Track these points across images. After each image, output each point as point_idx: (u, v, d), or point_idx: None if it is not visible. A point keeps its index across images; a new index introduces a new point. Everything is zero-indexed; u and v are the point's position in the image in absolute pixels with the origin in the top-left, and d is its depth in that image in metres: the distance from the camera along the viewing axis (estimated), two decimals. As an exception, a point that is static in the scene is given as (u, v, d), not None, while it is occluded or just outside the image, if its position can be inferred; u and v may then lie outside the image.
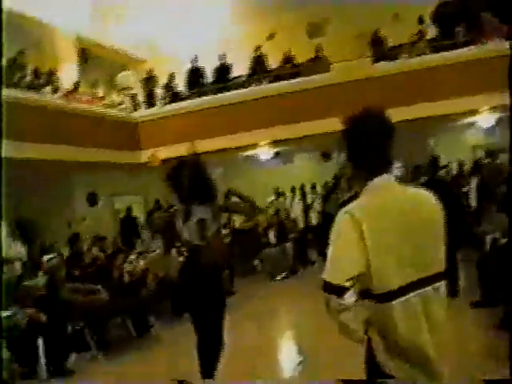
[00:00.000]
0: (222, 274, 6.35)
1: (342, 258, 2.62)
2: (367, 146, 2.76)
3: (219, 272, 6.18)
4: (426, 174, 10.06)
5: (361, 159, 2.81)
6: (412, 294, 2.62)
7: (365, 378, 2.82)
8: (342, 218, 2.67)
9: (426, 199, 2.83)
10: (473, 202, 12.04)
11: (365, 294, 2.65)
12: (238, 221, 17.39)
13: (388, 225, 2.63)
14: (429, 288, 2.67)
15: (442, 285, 2.75)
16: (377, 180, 2.75)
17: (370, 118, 2.82)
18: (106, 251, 12.07)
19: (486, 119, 16.26)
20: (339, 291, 2.55)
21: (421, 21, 16.46)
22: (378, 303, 2.61)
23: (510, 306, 7.39)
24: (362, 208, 2.68)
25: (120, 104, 17.31)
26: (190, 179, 5.81)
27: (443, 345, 2.72)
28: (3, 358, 6.75)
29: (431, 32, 16.58)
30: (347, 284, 2.55)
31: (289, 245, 15.44)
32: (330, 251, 2.66)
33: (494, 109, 15.22)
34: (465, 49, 14.83)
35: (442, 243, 2.77)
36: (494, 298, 8.05)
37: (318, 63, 16.56)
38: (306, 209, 17.81)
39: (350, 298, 2.56)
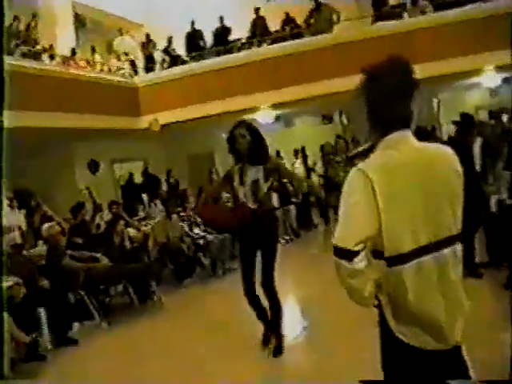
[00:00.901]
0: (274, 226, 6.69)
1: (352, 220, 2.51)
2: (388, 96, 2.60)
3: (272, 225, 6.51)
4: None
5: (380, 111, 2.65)
6: (426, 258, 2.51)
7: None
8: (353, 176, 2.54)
9: (445, 156, 2.68)
10: (477, 163, 11.90)
11: (376, 254, 2.56)
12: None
13: (403, 183, 2.50)
14: (445, 251, 2.56)
15: (459, 247, 2.64)
16: (394, 135, 2.60)
17: (393, 67, 2.66)
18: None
19: (490, 79, 16.04)
20: (349, 255, 2.46)
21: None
22: (390, 266, 2.51)
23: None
24: (375, 165, 2.54)
25: (119, 69, 17.17)
26: (247, 140, 6.15)
27: (456, 309, 2.63)
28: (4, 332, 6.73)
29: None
30: (357, 248, 2.45)
31: (292, 208, 15.37)
32: (340, 212, 2.55)
33: (499, 68, 15.01)
34: (469, 6, 14.60)
35: (460, 204, 2.64)
36: (501, 259, 8.01)
37: (320, 22, 16.32)
38: (308, 172, 17.71)
39: (360, 262, 2.47)
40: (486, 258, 8.46)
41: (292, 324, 7.29)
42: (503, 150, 10.32)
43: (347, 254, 2.46)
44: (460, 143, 8.57)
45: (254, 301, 6.50)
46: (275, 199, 15.75)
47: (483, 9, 14.38)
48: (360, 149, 2.94)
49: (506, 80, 16.22)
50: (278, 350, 6.41)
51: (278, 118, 18.10)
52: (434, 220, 2.53)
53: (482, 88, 17.29)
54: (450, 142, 10.10)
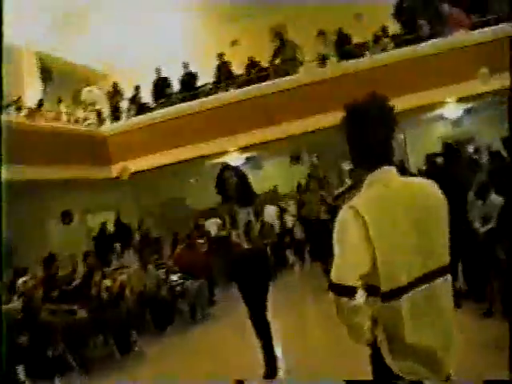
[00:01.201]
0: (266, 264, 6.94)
1: (348, 257, 2.51)
2: (371, 132, 2.63)
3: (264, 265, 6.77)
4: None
5: (362, 149, 2.69)
6: (420, 289, 2.53)
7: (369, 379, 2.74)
8: (345, 214, 2.55)
9: (430, 189, 2.72)
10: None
11: (370, 291, 2.55)
12: (212, 229, 17.28)
13: (393, 218, 2.52)
14: (437, 281, 2.58)
15: (449, 277, 2.66)
16: (380, 171, 2.64)
17: (373, 105, 2.69)
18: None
19: (452, 111, 16.36)
20: (350, 292, 2.46)
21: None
22: (386, 300, 2.50)
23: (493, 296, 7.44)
24: (366, 202, 2.57)
25: (86, 119, 17.11)
26: (235, 182, 6.47)
27: (450, 339, 2.64)
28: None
29: (394, 28, 16.71)
30: (357, 284, 2.46)
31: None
32: (335, 251, 2.55)
33: (460, 100, 15.33)
34: (429, 42, 14.94)
35: (447, 234, 2.68)
36: (479, 288, 8.05)
37: (287, 64, 16.51)
38: (281, 212, 17.73)
39: (360, 298, 2.48)
40: (464, 287, 8.51)
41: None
42: (472, 179, 10.48)
43: (348, 291, 2.47)
44: (448, 173, 8.71)
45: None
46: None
47: (442, 43, 14.73)
48: (343, 188, 2.97)
49: (467, 111, 16.54)
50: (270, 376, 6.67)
51: (247, 161, 18.12)
52: (426, 252, 2.55)
53: (444, 120, 17.57)
54: (436, 173, 10.18)
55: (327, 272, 8.42)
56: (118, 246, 15.82)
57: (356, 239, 2.48)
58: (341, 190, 9.37)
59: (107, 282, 10.95)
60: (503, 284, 7.33)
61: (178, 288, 11.47)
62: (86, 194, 16.50)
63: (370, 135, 2.63)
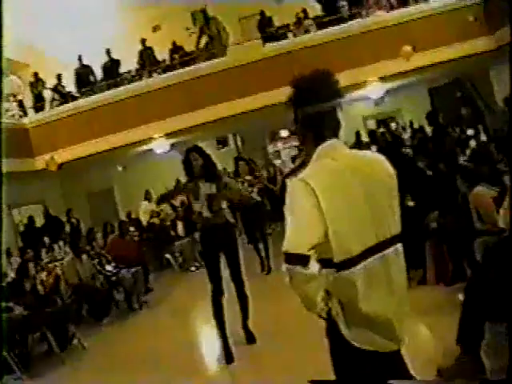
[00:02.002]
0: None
1: (300, 226, 2.54)
2: (318, 107, 2.69)
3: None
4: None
5: (310, 123, 2.74)
6: (373, 259, 2.59)
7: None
8: (295, 187, 2.59)
9: (378, 161, 2.79)
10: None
11: (323, 263, 2.58)
12: (144, 217, 17.20)
13: (343, 189, 2.58)
14: (389, 251, 2.66)
15: (400, 247, 2.73)
16: (327, 144, 2.70)
17: (318, 80, 2.75)
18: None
19: (375, 90, 16.62)
20: (303, 260, 2.47)
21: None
22: (339, 271, 2.56)
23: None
24: (314, 174, 2.61)
25: (7, 111, 16.67)
26: (200, 162, 6.85)
27: (403, 307, 2.73)
28: None
29: (315, 10, 16.89)
30: (310, 252, 2.48)
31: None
32: (287, 221, 2.58)
33: (382, 79, 15.61)
34: (349, 23, 15.16)
35: (397, 204, 2.75)
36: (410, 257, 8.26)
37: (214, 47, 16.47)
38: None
39: (314, 266, 2.49)
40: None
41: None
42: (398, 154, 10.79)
43: (301, 259, 2.48)
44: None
45: (218, 307, 6.87)
46: (180, 228, 15.78)
47: (364, 24, 14.98)
48: (295, 165, 3.02)
49: (388, 90, 16.88)
50: (251, 339, 7.06)
51: (172, 147, 18.03)
52: (377, 222, 2.62)
53: (367, 99, 17.88)
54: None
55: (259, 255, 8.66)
56: (47, 239, 15.55)
57: (306, 209, 2.52)
58: (290, 169, 9.67)
59: (42, 276, 10.77)
60: (436, 252, 7.59)
61: (114, 278, 11.35)
62: (11, 188, 16.10)
63: (316, 110, 2.69)
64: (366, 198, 2.61)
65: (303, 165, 2.78)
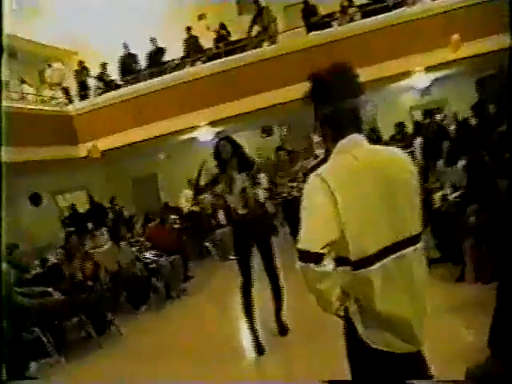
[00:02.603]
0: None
1: (315, 223, 2.50)
2: (337, 101, 2.63)
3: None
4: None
5: (329, 118, 2.68)
6: (390, 258, 2.53)
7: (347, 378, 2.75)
8: (312, 183, 2.55)
9: (399, 158, 2.72)
10: (419, 161, 12.12)
11: (340, 261, 2.54)
12: (184, 205, 17.26)
13: (360, 186, 2.52)
14: (408, 250, 2.58)
15: (420, 246, 2.65)
16: (347, 139, 2.63)
17: (337, 75, 2.68)
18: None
19: (421, 80, 16.37)
20: (317, 259, 2.43)
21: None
22: (355, 270, 2.51)
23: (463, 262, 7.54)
24: (332, 170, 2.57)
25: (53, 98, 16.90)
26: (230, 151, 6.77)
27: (423, 309, 2.66)
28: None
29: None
30: (324, 250, 2.44)
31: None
32: (302, 218, 2.54)
33: (428, 69, 15.35)
34: (396, 11, 14.93)
35: (418, 203, 2.67)
36: (450, 253, 8.14)
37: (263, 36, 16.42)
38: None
39: (328, 264, 2.46)
40: (437, 255, 8.58)
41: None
42: (442, 147, 10.58)
43: (314, 257, 2.44)
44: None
45: (248, 299, 6.89)
46: (221, 216, 15.76)
47: (410, 13, 14.71)
48: (316, 161, 2.95)
49: (435, 80, 16.59)
50: (284, 331, 7.10)
51: (217, 135, 18.05)
52: (395, 221, 2.55)
53: (413, 89, 17.63)
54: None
55: None
56: (90, 225, 15.74)
57: (322, 206, 2.48)
58: (313, 163, 9.46)
59: (83, 262, 10.87)
60: (475, 249, 7.42)
61: (153, 265, 11.42)
62: (56, 174, 16.34)
63: (336, 104, 2.63)
64: (385, 196, 2.55)
65: (324, 161, 2.71)
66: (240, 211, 6.72)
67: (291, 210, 10.94)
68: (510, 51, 5.30)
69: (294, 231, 10.88)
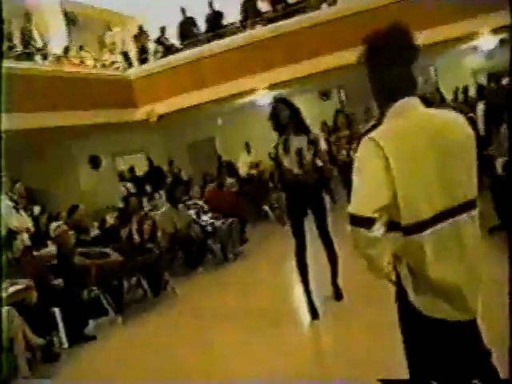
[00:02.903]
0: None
1: (367, 188, 2.48)
2: (391, 64, 2.59)
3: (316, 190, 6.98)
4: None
5: (384, 79, 2.64)
6: (444, 224, 2.49)
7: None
8: (365, 146, 2.53)
9: (455, 121, 2.64)
10: (481, 127, 11.85)
11: (392, 226, 2.52)
12: (242, 168, 17.35)
13: (415, 150, 2.48)
14: (462, 216, 2.54)
15: (476, 213, 2.60)
16: (400, 103, 2.59)
17: (393, 35, 2.63)
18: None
19: (486, 42, 15.94)
20: (368, 223, 2.42)
21: None
22: (407, 235, 2.48)
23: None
24: (385, 133, 2.53)
25: (113, 63, 17.09)
26: (288, 113, 6.70)
27: (477, 277, 2.61)
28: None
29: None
30: (375, 215, 2.42)
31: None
32: (354, 182, 2.53)
33: (494, 31, 14.90)
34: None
35: (474, 168, 2.61)
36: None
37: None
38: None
39: (378, 229, 2.44)
40: (497, 222, 8.40)
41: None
42: (506, 112, 10.30)
43: (366, 222, 2.43)
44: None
45: (302, 262, 6.92)
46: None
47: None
48: (371, 123, 2.91)
49: (501, 42, 16.10)
50: (339, 295, 7.11)
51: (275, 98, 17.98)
52: (449, 186, 2.51)
53: (477, 52, 17.18)
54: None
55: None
56: (148, 187, 15.98)
57: (375, 170, 2.46)
58: (367, 127, 9.34)
59: (142, 224, 11.02)
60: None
61: (209, 228, 11.53)
62: (114, 137, 16.58)
63: (389, 67, 2.60)
64: (440, 160, 2.50)
65: (378, 125, 2.67)
66: (295, 171, 6.71)
67: (349, 173, 10.80)
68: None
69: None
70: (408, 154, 2.46)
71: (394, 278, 2.61)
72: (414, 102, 2.61)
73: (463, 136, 2.59)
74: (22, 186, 11.80)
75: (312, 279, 7.03)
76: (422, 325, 2.57)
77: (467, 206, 2.55)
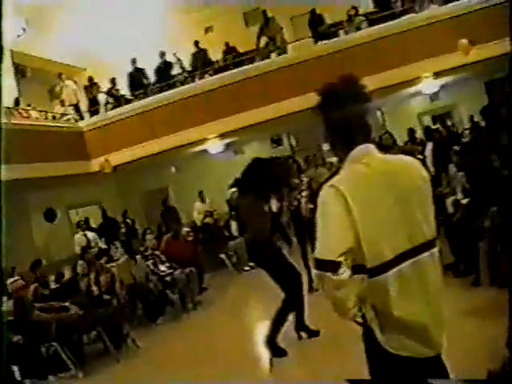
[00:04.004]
0: None
1: (331, 233, 2.53)
2: (345, 114, 2.67)
3: None
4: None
5: (339, 129, 2.72)
6: (405, 264, 2.55)
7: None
8: (326, 193, 2.58)
9: (411, 165, 2.74)
10: (430, 167, 12.15)
11: (356, 269, 2.55)
12: (197, 218, 17.33)
13: (374, 194, 2.55)
14: (423, 255, 2.60)
15: (436, 251, 2.67)
16: (357, 150, 2.66)
17: (346, 86, 2.73)
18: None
19: (429, 86, 16.40)
20: (333, 267, 2.46)
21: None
22: (372, 277, 2.53)
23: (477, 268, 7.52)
24: (345, 180, 2.59)
25: (64, 115, 17.02)
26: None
27: (440, 313, 2.67)
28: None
29: (365, 6, 16.79)
30: (340, 259, 2.46)
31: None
32: (318, 228, 2.56)
33: (436, 75, 15.38)
34: (402, 18, 14.99)
35: (432, 209, 2.69)
36: (466, 258, 8.11)
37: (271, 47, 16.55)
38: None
39: (344, 273, 2.47)
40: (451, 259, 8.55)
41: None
42: (453, 152, 10.60)
43: (331, 266, 2.47)
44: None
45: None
46: (234, 228, 15.79)
47: (417, 18, 14.77)
48: (327, 175, 2.98)
49: (443, 85, 16.61)
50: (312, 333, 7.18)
51: (227, 147, 18.14)
52: (408, 227, 2.57)
53: (422, 95, 17.68)
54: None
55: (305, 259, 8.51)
56: (103, 240, 15.81)
57: (338, 216, 2.50)
58: (325, 177, 9.64)
59: (99, 276, 10.90)
60: (490, 253, 7.41)
61: (168, 278, 11.44)
62: (68, 190, 16.43)
63: (345, 116, 2.67)
64: (399, 203, 2.57)
65: (336, 173, 2.75)
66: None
67: (300, 220, 10.72)
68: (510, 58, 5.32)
69: (301, 241, 10.63)
70: (368, 199, 2.52)
71: (359, 318, 2.65)
72: (370, 148, 2.69)
73: (420, 179, 2.68)
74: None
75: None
76: (389, 362, 2.60)
77: (428, 245, 2.62)
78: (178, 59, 17.77)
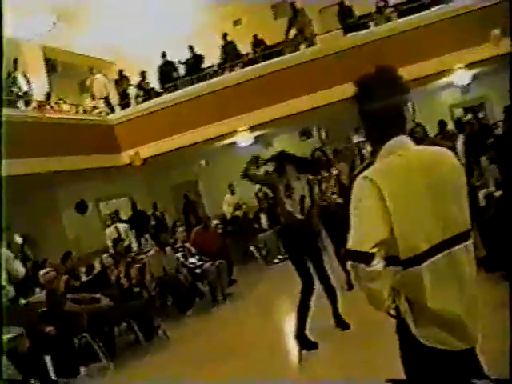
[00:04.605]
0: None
1: (365, 224, 2.52)
2: (381, 105, 2.65)
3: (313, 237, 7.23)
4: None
5: (375, 120, 2.70)
6: (439, 256, 2.53)
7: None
8: (360, 184, 2.57)
9: (445, 157, 2.71)
10: (461, 159, 12.01)
11: (390, 260, 2.54)
12: (227, 210, 17.37)
13: (409, 186, 2.54)
14: (457, 248, 2.58)
15: (470, 243, 2.65)
16: (392, 141, 2.64)
17: (383, 76, 2.72)
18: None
19: (461, 77, 16.22)
20: (367, 258, 2.46)
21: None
22: (405, 269, 2.52)
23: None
24: (379, 171, 2.58)
25: (95, 108, 17.15)
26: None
27: (474, 305, 2.64)
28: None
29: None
30: (374, 250, 2.45)
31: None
32: (351, 220, 2.56)
33: (468, 66, 15.20)
34: (433, 9, 14.84)
35: (466, 201, 2.67)
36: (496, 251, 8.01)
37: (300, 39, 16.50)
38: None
39: (378, 264, 2.46)
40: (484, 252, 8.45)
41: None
42: (485, 144, 10.46)
43: (365, 257, 2.46)
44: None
45: (305, 304, 6.87)
46: (264, 220, 15.80)
47: (447, 9, 14.61)
48: (364, 164, 2.96)
49: (475, 77, 16.43)
50: (345, 326, 7.18)
51: (256, 140, 18.12)
52: (443, 218, 2.55)
53: (453, 87, 17.49)
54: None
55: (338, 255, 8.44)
56: (134, 232, 15.93)
57: (372, 207, 2.50)
58: (358, 169, 9.42)
59: (130, 269, 10.98)
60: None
61: (198, 270, 11.50)
62: (98, 182, 16.56)
63: (381, 107, 2.65)
64: (434, 194, 2.56)
65: (370, 164, 2.73)
66: (298, 216, 6.87)
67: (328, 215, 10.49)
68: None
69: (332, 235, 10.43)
70: (402, 191, 2.51)
71: (393, 311, 2.64)
72: (405, 140, 2.67)
73: (454, 170, 2.67)
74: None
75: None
76: (424, 355, 2.58)
77: (462, 237, 2.60)
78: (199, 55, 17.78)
